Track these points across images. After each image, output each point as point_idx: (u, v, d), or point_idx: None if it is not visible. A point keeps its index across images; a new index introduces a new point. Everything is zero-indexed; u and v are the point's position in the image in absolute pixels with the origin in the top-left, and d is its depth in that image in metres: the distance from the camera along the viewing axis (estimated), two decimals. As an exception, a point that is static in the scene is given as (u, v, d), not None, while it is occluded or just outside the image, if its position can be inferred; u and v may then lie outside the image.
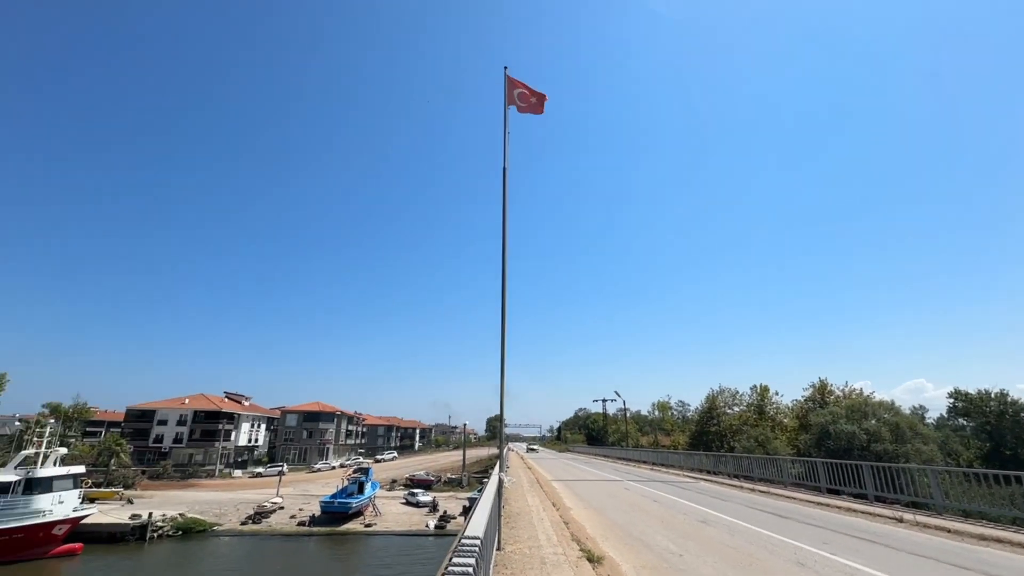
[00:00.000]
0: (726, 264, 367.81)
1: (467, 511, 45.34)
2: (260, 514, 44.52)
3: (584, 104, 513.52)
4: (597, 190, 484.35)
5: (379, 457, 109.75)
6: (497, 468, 10.32)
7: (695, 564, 8.73)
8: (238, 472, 79.02)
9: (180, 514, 42.42)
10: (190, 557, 34.58)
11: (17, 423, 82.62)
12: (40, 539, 32.90)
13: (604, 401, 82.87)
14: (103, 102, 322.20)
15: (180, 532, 40.18)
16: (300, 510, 46.77)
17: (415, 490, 55.46)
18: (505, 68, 11.57)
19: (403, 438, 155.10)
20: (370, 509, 47.41)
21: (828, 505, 15.51)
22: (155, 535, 38.77)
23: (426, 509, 49.10)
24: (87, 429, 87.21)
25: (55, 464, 36.94)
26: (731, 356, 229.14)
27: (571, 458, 63.47)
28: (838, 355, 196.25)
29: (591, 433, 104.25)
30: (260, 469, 79.99)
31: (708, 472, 28.36)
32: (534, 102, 11.93)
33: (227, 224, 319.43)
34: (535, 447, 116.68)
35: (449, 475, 70.07)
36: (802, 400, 42.39)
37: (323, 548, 37.31)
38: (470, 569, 2.99)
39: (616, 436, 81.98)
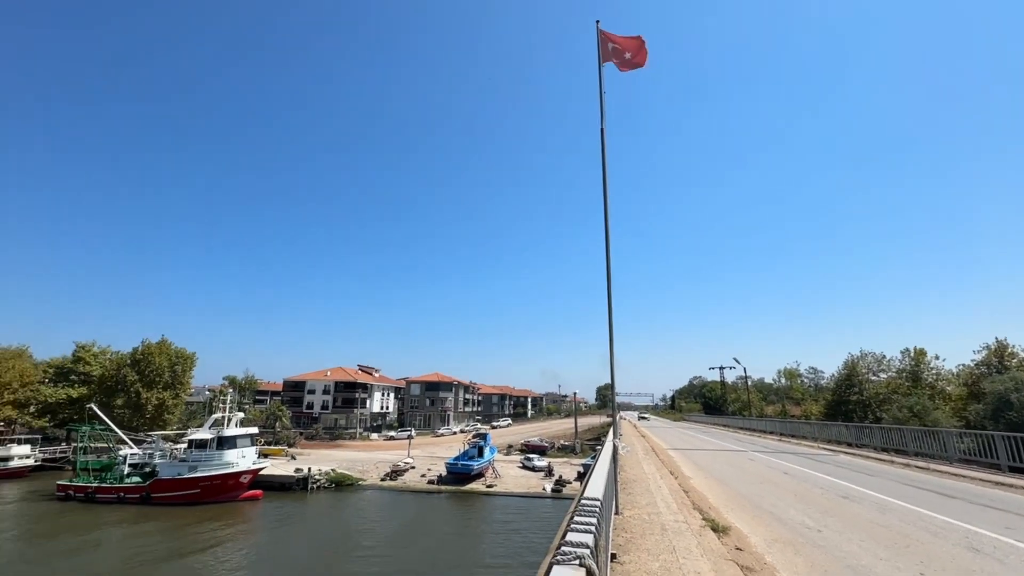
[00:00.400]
0: (869, 209, 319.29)
1: (581, 476, 46.30)
2: (396, 472, 49.83)
3: (680, 53, 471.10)
4: (710, 144, 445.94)
5: (495, 424, 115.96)
6: (611, 435, 10.30)
7: (837, 541, 8.00)
8: (374, 435, 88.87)
9: (332, 470, 49.04)
10: (344, 505, 39.99)
11: (207, 392, 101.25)
12: (231, 486, 40.31)
13: (721, 368, 78.29)
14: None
15: (333, 485, 46.56)
16: (429, 470, 51.43)
17: (530, 455, 57.83)
18: (597, 22, 10.95)
19: (515, 406, 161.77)
20: (490, 471, 50.53)
21: (1011, 486, 13.17)
22: (314, 486, 45.42)
23: (542, 473, 51.06)
24: (256, 398, 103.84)
25: (237, 426, 44.68)
26: (870, 320, 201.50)
27: (686, 427, 61.27)
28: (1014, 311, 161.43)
29: (708, 402, 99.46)
30: (392, 433, 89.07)
31: (848, 444, 25.59)
32: (628, 58, 11.11)
33: (364, 228, 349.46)
34: (646, 416, 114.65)
35: (562, 442, 71.86)
36: (972, 365, 35.98)
37: (451, 504, 40.78)
38: (592, 527, 3.02)
39: (736, 405, 77.29)
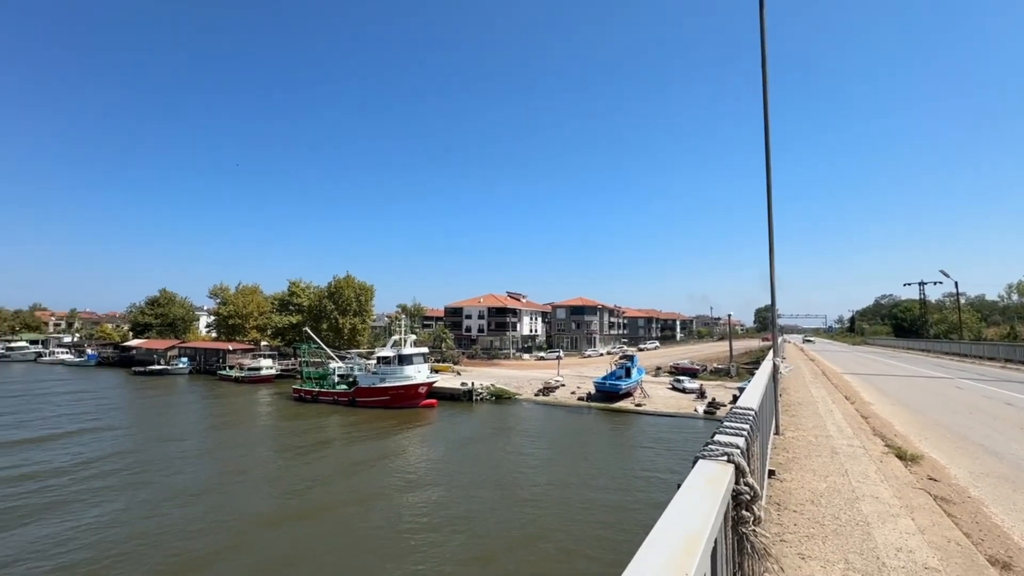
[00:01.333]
0: None
1: (736, 400, 44.30)
2: (547, 389, 53.56)
3: None
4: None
5: (641, 346, 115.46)
6: (771, 354, 9.51)
7: (1082, 481, 6.49)
8: (526, 356, 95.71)
9: (492, 384, 54.66)
10: (504, 414, 44.76)
11: (385, 318, 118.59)
12: (412, 394, 47.74)
13: (922, 284, 65.26)
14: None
15: (494, 397, 52.06)
16: (578, 387, 54.15)
17: (680, 377, 56.84)
18: None
19: (663, 329, 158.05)
20: (639, 391, 51.23)
21: None
22: (478, 398, 51.37)
23: (693, 395, 50.11)
24: (424, 322, 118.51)
25: (411, 346, 51.91)
26: None
27: (867, 351, 53.57)
28: None
29: (900, 323, 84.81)
30: (542, 354, 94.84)
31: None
32: None
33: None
34: (811, 339, 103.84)
35: (715, 365, 68.88)
36: None
37: (601, 419, 42.79)
38: (743, 432, 2.90)
39: (942, 327, 64.54)
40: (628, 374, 51.81)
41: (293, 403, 51.28)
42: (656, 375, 65.23)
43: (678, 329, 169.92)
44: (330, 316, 75.55)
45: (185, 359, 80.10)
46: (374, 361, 51.56)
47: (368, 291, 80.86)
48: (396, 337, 52.51)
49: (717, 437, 2.72)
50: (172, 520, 20.10)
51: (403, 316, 70.90)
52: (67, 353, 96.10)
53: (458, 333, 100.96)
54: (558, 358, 73.55)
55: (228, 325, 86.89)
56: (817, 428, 9.77)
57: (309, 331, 62.91)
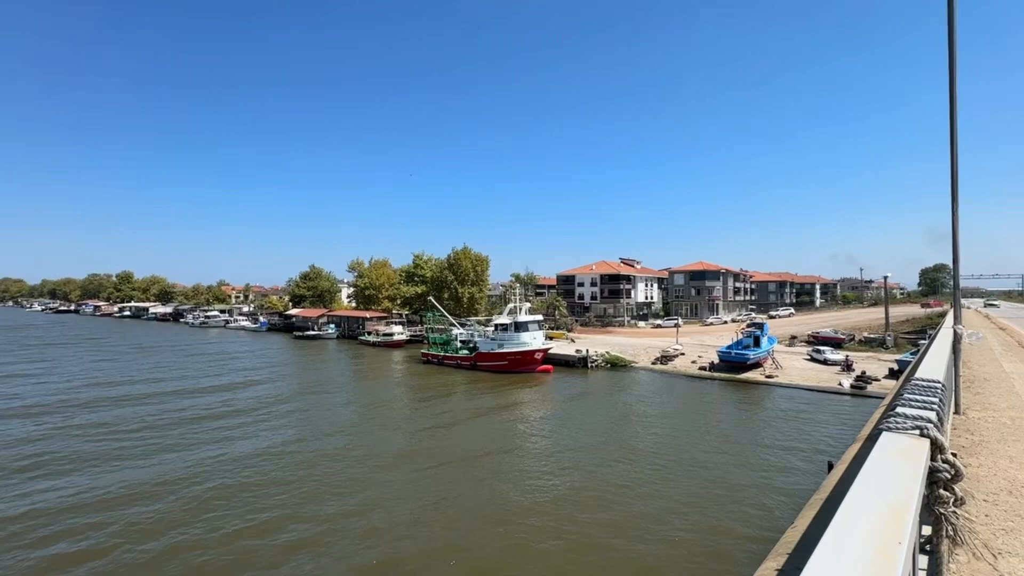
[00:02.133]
0: None
1: (895, 374, 38.56)
2: (665, 357, 51.74)
3: None
4: None
5: (772, 313, 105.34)
6: (949, 319, 8.10)
7: None
8: (641, 323, 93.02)
9: (607, 352, 54.32)
10: (621, 381, 44.42)
11: (500, 287, 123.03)
12: (529, 360, 49.39)
13: None
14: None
15: (609, 364, 51.78)
16: (700, 356, 51.46)
17: (821, 347, 51.01)
18: None
19: (799, 294, 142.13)
20: (769, 362, 47.17)
21: None
22: (592, 365, 51.49)
23: (837, 368, 44.78)
24: (536, 291, 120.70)
25: (526, 313, 53.41)
26: None
27: (1089, 319, 42.72)
28: None
29: None
30: (659, 321, 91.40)
31: None
32: None
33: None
34: (995, 302, 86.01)
35: (865, 334, 60.44)
36: None
37: (725, 391, 40.36)
38: (934, 406, 2.56)
39: None
40: (757, 343, 47.89)
41: (422, 365, 56.19)
42: (790, 345, 59.35)
43: (817, 294, 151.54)
44: (450, 286, 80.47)
45: (333, 326, 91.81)
46: (492, 328, 54.09)
47: (484, 262, 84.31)
48: (511, 305, 54.39)
49: (900, 410, 2.43)
50: (333, 447, 25.20)
51: (517, 285, 72.94)
52: (246, 320, 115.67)
53: (571, 301, 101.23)
54: (676, 326, 70.36)
55: (364, 296, 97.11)
56: (1012, 409, 8.19)
57: (433, 300, 67.85)
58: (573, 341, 66.19)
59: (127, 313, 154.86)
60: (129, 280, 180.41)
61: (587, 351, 53.42)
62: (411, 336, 77.14)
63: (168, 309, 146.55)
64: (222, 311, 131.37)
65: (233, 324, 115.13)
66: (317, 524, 17.25)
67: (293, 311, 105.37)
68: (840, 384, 39.16)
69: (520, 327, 50.18)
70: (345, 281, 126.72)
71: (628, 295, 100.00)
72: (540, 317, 56.22)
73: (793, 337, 61.72)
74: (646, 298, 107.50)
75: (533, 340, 50.04)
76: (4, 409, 33.88)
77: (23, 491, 19.80)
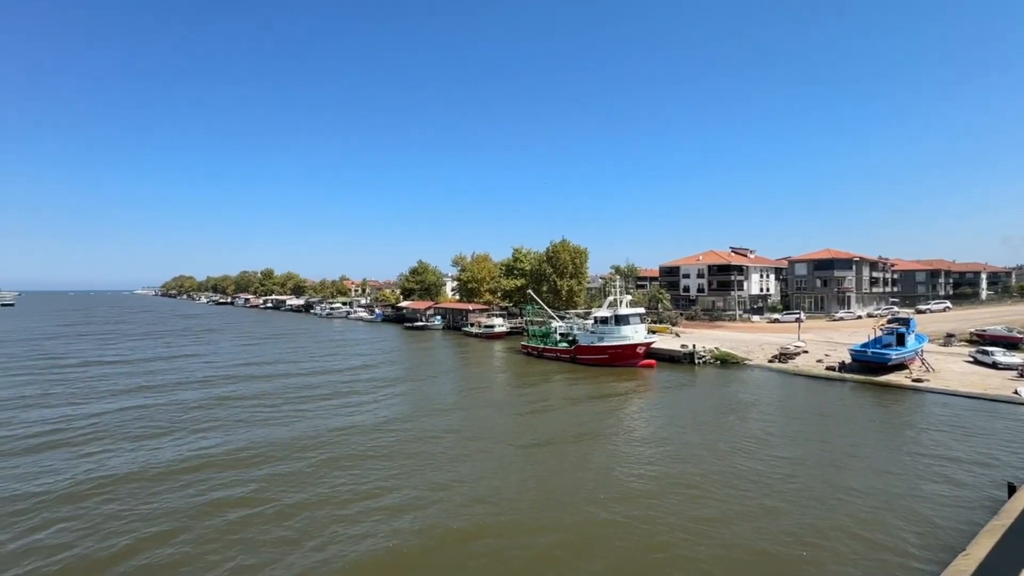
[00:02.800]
0: None
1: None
2: (784, 355, 47.02)
3: None
4: None
5: (920, 307, 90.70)
6: None
7: None
8: (756, 317, 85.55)
9: (715, 348, 50.81)
10: (732, 380, 41.32)
11: (599, 280, 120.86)
12: (630, 354, 47.91)
13: None
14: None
15: (718, 361, 48.39)
16: (826, 355, 46.00)
17: (989, 348, 42.80)
18: None
19: (956, 285, 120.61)
20: (917, 363, 40.73)
21: None
22: (700, 361, 48.49)
23: (1012, 373, 37.33)
24: (637, 283, 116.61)
25: (627, 306, 51.82)
26: None
27: None
28: None
29: None
30: (776, 316, 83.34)
31: None
32: None
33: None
34: None
35: (1052, 333, 49.44)
36: None
37: (860, 394, 35.61)
38: None
39: None
40: (901, 341, 41.65)
41: (522, 356, 57.21)
42: (945, 344, 50.71)
43: (983, 284, 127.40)
44: (549, 279, 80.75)
45: (439, 317, 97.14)
46: (591, 321, 53.37)
47: (582, 254, 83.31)
48: (611, 298, 53.12)
49: None
50: (440, 425, 26.65)
51: (617, 277, 70.93)
52: (364, 312, 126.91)
53: (675, 293, 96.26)
54: (798, 320, 63.40)
55: (467, 289, 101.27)
56: None
57: (531, 293, 68.65)
58: (678, 336, 62.90)
59: (269, 305, 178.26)
60: (270, 276, 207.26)
61: (694, 346, 50.43)
62: (511, 328, 78.87)
63: (300, 301, 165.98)
64: (344, 303, 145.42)
65: (353, 315, 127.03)
66: (421, 490, 18.79)
67: (404, 303, 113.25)
68: (1016, 392, 32.56)
69: (621, 320, 48.84)
70: (449, 275, 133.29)
71: (740, 287, 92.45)
72: (642, 310, 54.16)
73: (949, 335, 52.52)
74: (761, 290, 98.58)
75: (634, 334, 48.41)
76: (182, 381, 41.30)
77: (199, 444, 23.85)
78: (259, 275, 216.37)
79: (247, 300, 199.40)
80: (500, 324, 78.76)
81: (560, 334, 56.96)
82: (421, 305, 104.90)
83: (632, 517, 16.75)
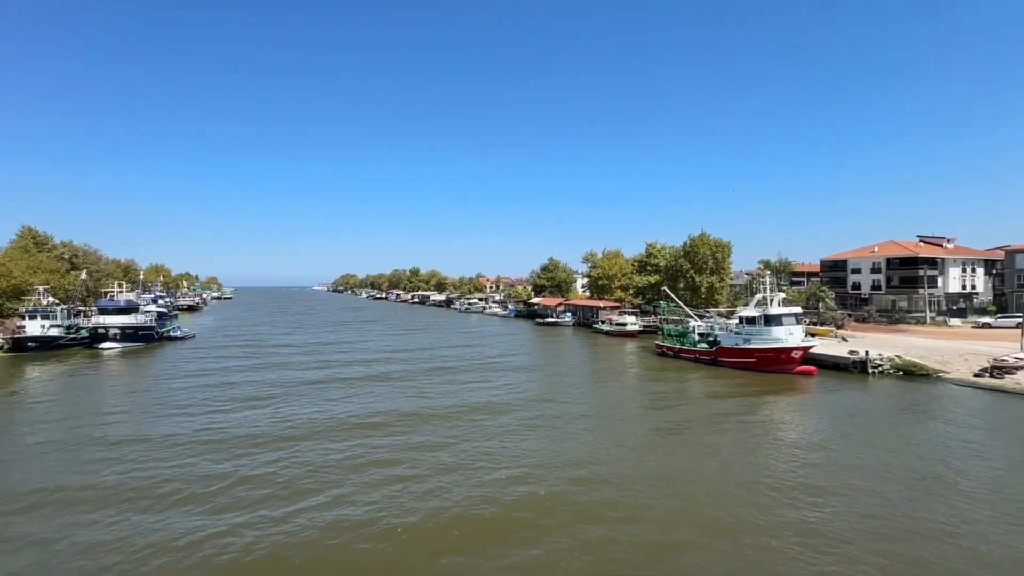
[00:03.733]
0: None
1: None
2: (999, 368, 37.56)
3: None
4: None
5: None
6: None
7: None
8: (955, 320, 69.98)
9: (896, 356, 42.72)
10: (920, 396, 34.24)
11: (745, 276, 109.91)
12: (783, 359, 42.64)
13: None
14: None
15: (900, 372, 40.63)
16: (1066, 372, 35.65)
17: None
18: None
19: None
20: None
21: None
22: (875, 371, 41.20)
23: None
24: (792, 279, 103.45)
25: (779, 305, 46.24)
26: None
27: None
28: None
29: None
30: (987, 319, 67.18)
31: None
32: None
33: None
34: None
35: None
36: None
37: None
38: None
39: None
40: None
41: (656, 357, 54.64)
42: None
43: None
44: (686, 275, 75.79)
45: (569, 314, 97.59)
46: (735, 321, 48.80)
47: (725, 248, 76.59)
48: (760, 295, 47.86)
49: None
50: (568, 431, 25.68)
51: (767, 273, 63.74)
52: (498, 307, 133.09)
53: (841, 291, 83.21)
54: (1020, 326, 50.16)
55: (598, 285, 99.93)
56: None
57: (667, 290, 65.05)
58: (844, 340, 54.27)
59: (416, 300, 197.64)
60: (417, 274, 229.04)
61: (867, 353, 43.03)
62: (644, 327, 75.84)
63: (442, 297, 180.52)
64: (480, 299, 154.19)
65: (488, 311, 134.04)
66: (544, 477, 18.73)
67: (535, 300, 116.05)
68: None
69: (771, 320, 43.74)
70: (580, 272, 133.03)
71: (932, 283, 76.29)
72: (798, 310, 47.74)
73: None
74: (964, 287, 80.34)
75: (788, 336, 42.97)
76: (347, 361, 47.74)
77: (369, 407, 27.40)
78: (408, 273, 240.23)
79: (398, 295, 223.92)
80: (632, 322, 76.21)
81: (699, 334, 53.10)
82: (552, 301, 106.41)
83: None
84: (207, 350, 60.84)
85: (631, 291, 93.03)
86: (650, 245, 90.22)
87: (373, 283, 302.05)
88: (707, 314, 60.97)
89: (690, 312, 60.23)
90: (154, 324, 66.98)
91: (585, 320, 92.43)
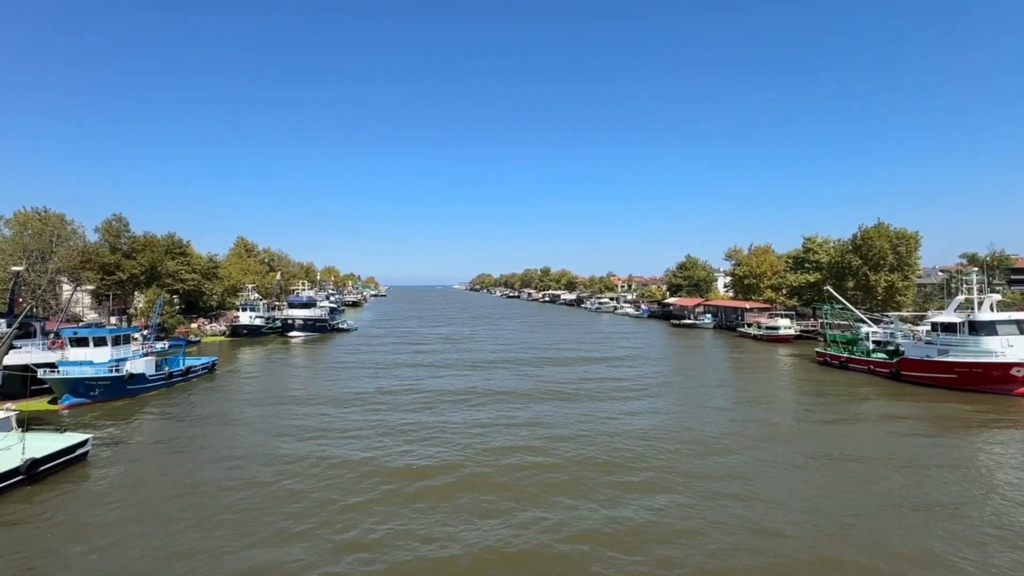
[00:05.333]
0: None
1: None
2: None
3: None
4: None
5: None
6: None
7: None
8: None
9: None
10: None
11: (939, 273, 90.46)
12: (997, 377, 34.05)
13: None
14: None
15: None
16: None
17: None
18: None
19: None
20: None
21: None
22: None
23: None
24: (1011, 277, 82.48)
25: (994, 309, 37.08)
26: None
27: None
28: None
29: None
30: None
31: None
32: None
33: None
34: None
35: None
36: None
37: None
38: None
39: None
40: None
41: (816, 366, 47.93)
42: None
43: None
44: (857, 272, 65.05)
45: (709, 315, 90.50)
46: (925, 328, 40.52)
47: (910, 240, 64.08)
48: (963, 297, 38.95)
49: None
50: (711, 434, 23.74)
51: (973, 270, 51.48)
52: (630, 307, 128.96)
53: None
54: None
55: (743, 284, 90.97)
56: None
57: (831, 290, 56.44)
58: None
59: (546, 299, 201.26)
60: (548, 273, 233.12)
61: None
62: (801, 331, 67.07)
63: (572, 296, 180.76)
64: (611, 298, 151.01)
65: (620, 310, 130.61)
66: (679, 500, 17.30)
67: (670, 300, 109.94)
68: None
69: (980, 327, 35.29)
70: (722, 270, 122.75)
71: None
72: (1021, 316, 37.78)
73: None
74: None
75: (1006, 348, 34.20)
76: (490, 359, 50.56)
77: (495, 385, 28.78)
78: (538, 272, 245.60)
79: (529, 294, 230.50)
80: (787, 326, 67.82)
81: (874, 342, 45.16)
82: (689, 302, 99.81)
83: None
84: (369, 338, 71.88)
85: (784, 291, 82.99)
86: (808, 240, 79.48)
87: (506, 282, 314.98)
88: (885, 318, 51.63)
89: (861, 315, 51.57)
90: (327, 317, 78.61)
91: (728, 322, 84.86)
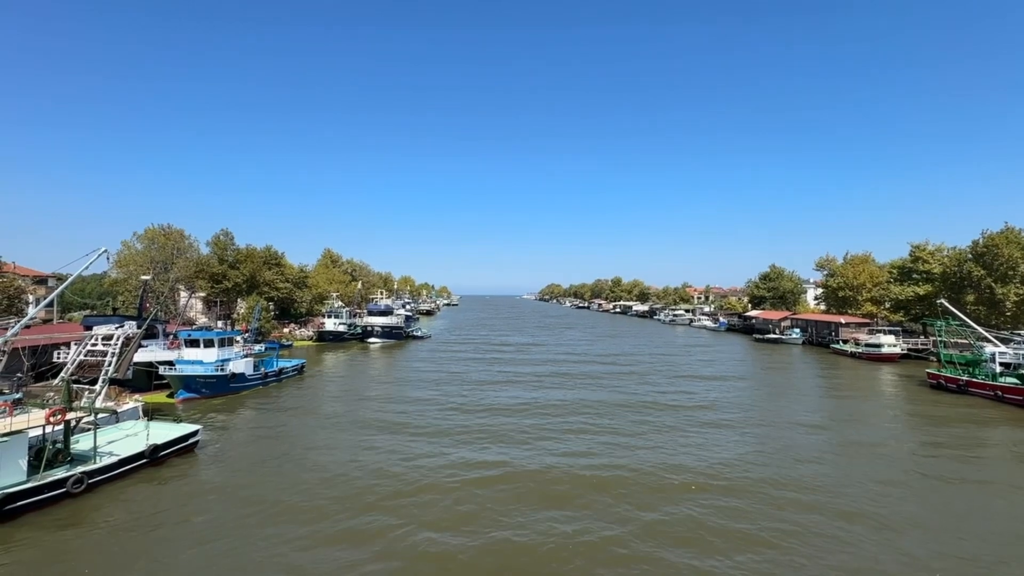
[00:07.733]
0: None
1: None
2: None
3: None
4: None
5: None
6: None
7: None
8: None
9: None
10: None
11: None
12: None
13: None
14: None
15: None
16: None
17: None
18: None
19: None
20: None
21: None
22: None
23: None
24: None
25: None
26: None
27: None
28: None
29: None
30: None
31: None
32: None
33: None
34: None
35: None
36: None
37: None
38: None
39: None
40: None
41: (928, 390, 42.67)
42: None
43: None
44: (979, 284, 57.24)
45: (797, 330, 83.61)
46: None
47: (1048, 247, 55.34)
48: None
49: None
50: (802, 476, 21.37)
51: None
52: (707, 320, 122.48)
53: None
54: None
55: (837, 297, 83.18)
56: None
57: (946, 303, 49.99)
58: None
59: (617, 310, 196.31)
60: (619, 284, 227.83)
61: None
62: (908, 350, 60.11)
63: (645, 307, 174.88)
64: (686, 310, 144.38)
65: (696, 323, 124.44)
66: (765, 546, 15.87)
67: (753, 312, 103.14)
68: None
69: None
70: (811, 281, 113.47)
71: None
72: None
73: None
74: None
75: None
76: (552, 372, 50.24)
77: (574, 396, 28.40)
78: (609, 283, 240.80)
79: (599, 305, 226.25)
80: (891, 343, 61.08)
81: (1002, 364, 39.39)
82: (775, 315, 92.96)
83: None
84: (443, 346, 74.11)
85: (887, 304, 74.85)
86: (917, 248, 71.19)
87: (576, 292, 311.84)
88: (1016, 337, 44.88)
89: (984, 333, 45.17)
90: (403, 325, 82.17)
91: (819, 338, 77.96)
